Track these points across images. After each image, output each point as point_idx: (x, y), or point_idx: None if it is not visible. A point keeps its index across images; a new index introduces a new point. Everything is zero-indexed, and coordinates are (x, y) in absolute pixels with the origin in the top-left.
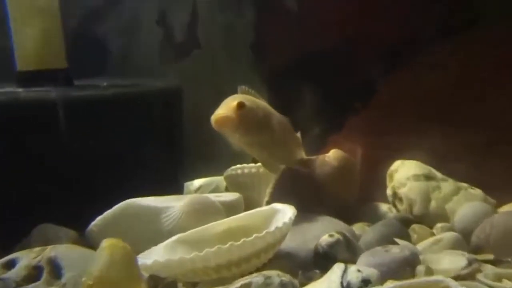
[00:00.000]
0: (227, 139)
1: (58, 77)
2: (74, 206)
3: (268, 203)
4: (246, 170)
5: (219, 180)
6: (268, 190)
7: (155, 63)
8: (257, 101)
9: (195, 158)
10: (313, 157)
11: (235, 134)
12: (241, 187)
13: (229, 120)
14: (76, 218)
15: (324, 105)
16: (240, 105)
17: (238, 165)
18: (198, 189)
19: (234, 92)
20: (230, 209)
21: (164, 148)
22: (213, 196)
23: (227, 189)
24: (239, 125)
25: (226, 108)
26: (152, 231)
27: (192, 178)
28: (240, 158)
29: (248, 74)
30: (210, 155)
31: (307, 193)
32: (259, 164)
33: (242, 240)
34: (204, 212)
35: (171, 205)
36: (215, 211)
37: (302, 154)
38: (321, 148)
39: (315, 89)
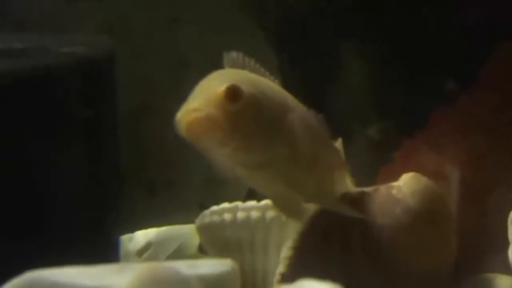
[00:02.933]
0: (208, 156)
1: None
2: None
3: (285, 278)
4: (239, 215)
5: (186, 232)
6: (285, 254)
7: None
8: (261, 84)
9: (140, 188)
10: (368, 189)
11: (223, 148)
12: (228, 248)
13: (212, 122)
14: None
15: (391, 88)
16: (232, 94)
17: (224, 205)
18: (144, 250)
19: (217, 63)
20: None
21: (82, 168)
22: (184, 267)
23: (200, 250)
24: (230, 132)
25: (206, 99)
26: None
27: (135, 228)
28: (225, 188)
29: (241, 25)
30: (169, 182)
31: (359, 261)
32: (264, 203)
33: None
34: None
35: (106, 283)
36: None
37: (348, 183)
38: (382, 169)
39: (374, 57)
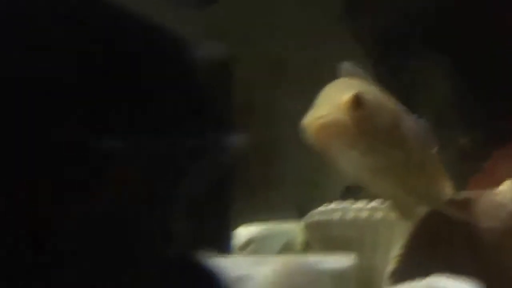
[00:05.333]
0: (332, 159)
1: None
2: None
3: (395, 275)
4: (349, 215)
5: (288, 230)
6: (396, 253)
7: None
8: (377, 92)
9: (240, 186)
10: (472, 194)
11: (351, 152)
12: (336, 246)
13: (342, 127)
14: None
15: (478, 98)
16: (357, 101)
17: (333, 205)
18: (246, 246)
19: (326, 70)
20: (340, 283)
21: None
22: (312, 261)
23: (306, 246)
24: (358, 136)
25: (332, 106)
26: None
27: (235, 225)
28: (321, 189)
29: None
30: (268, 182)
31: (465, 262)
32: (373, 204)
33: None
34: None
35: (247, 273)
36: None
37: (448, 187)
38: (470, 178)
39: (461, 68)
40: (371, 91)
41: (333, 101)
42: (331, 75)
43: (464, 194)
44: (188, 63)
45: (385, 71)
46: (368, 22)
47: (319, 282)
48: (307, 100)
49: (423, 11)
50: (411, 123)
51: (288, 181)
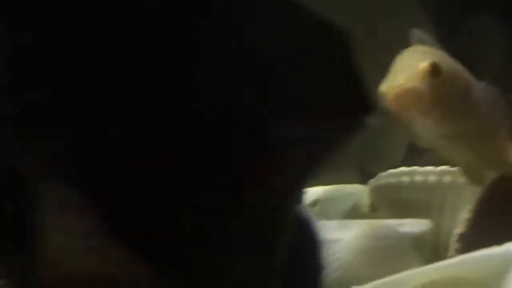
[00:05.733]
0: (407, 126)
1: None
2: None
3: (463, 238)
4: (418, 178)
5: (354, 191)
6: (465, 216)
7: None
8: (449, 60)
9: None
10: None
11: (427, 119)
12: (404, 209)
13: (419, 95)
14: None
15: None
16: (434, 69)
17: (402, 169)
18: (311, 206)
19: (396, 38)
20: (418, 246)
21: None
22: (394, 225)
23: (372, 209)
24: (434, 104)
25: (409, 74)
26: None
27: None
28: (382, 153)
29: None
30: None
31: None
32: (441, 168)
33: None
34: (387, 252)
35: (335, 237)
36: (403, 250)
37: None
38: None
39: None
40: (444, 59)
41: (409, 68)
42: (397, 42)
43: None
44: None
45: (447, 36)
46: None
47: (402, 245)
48: (373, 67)
49: None
50: (481, 90)
51: (351, 145)
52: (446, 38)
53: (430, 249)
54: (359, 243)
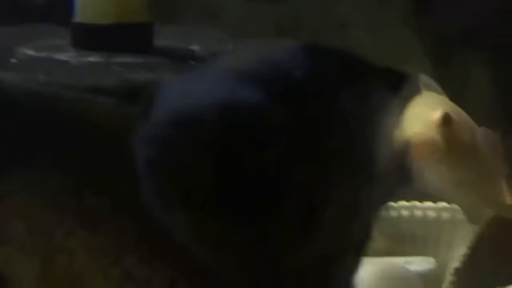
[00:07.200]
0: (418, 173)
1: None
2: None
3: (459, 272)
4: (417, 213)
5: None
6: (462, 251)
7: None
8: (456, 107)
9: None
10: None
11: (439, 167)
12: (400, 241)
13: (435, 145)
14: None
15: None
16: (446, 120)
17: (403, 202)
18: None
19: None
20: (426, 284)
21: None
22: (402, 263)
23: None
24: (449, 153)
25: (423, 123)
26: None
27: None
28: None
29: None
30: None
31: None
32: (442, 205)
33: None
34: None
35: None
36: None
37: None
38: None
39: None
40: (452, 106)
41: (423, 118)
42: None
43: None
44: None
45: (444, 73)
46: (434, 22)
47: (413, 284)
48: None
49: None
50: (482, 135)
51: None
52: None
53: (435, 286)
54: (377, 283)
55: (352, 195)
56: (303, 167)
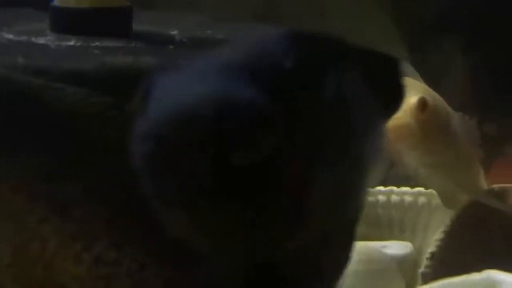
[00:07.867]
0: (394, 156)
1: None
2: None
3: (434, 256)
4: (394, 198)
5: None
6: (438, 236)
7: None
8: (433, 93)
9: None
10: (509, 186)
11: (414, 151)
12: (377, 225)
13: (409, 130)
14: None
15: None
16: (422, 105)
17: (380, 188)
18: None
19: None
20: (402, 268)
21: None
22: (379, 247)
23: None
24: (422, 138)
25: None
26: None
27: None
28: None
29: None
30: None
31: (500, 248)
32: (418, 189)
33: None
34: (378, 276)
35: None
36: (390, 273)
37: (483, 177)
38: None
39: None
40: (429, 93)
41: None
42: None
43: (501, 186)
44: None
45: (421, 59)
46: (412, 8)
47: (389, 268)
48: None
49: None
50: (459, 120)
51: None
52: (419, 60)
53: (411, 270)
54: (353, 267)
55: (344, 177)
56: (297, 155)
